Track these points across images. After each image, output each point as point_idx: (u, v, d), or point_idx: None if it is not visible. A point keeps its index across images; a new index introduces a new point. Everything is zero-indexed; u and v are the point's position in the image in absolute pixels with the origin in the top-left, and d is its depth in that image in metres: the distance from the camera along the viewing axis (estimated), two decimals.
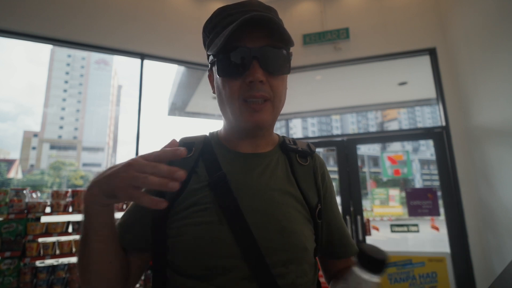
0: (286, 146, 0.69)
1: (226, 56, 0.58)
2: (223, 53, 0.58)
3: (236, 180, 0.60)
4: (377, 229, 3.49)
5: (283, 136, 0.74)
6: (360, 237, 3.08)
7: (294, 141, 0.72)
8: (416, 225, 3.09)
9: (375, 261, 0.39)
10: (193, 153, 0.64)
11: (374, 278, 0.39)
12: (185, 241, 0.55)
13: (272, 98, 0.59)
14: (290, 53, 0.62)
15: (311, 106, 5.05)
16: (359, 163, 3.40)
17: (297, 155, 0.69)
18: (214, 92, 0.67)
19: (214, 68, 0.62)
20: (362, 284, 0.39)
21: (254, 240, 0.53)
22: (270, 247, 0.54)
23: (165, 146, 0.48)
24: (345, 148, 3.38)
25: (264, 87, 0.57)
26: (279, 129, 5.30)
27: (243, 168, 0.63)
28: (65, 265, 2.46)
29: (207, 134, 0.71)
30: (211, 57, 0.63)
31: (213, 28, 0.62)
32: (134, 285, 0.63)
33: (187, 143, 0.66)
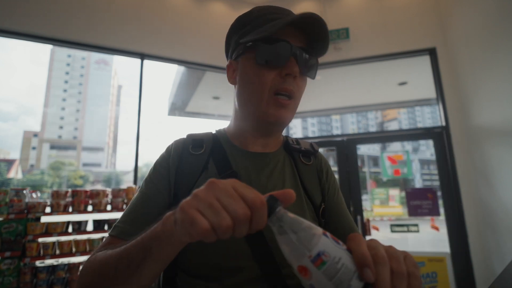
0: (290, 146, 0.69)
1: (268, 46, 0.58)
2: (265, 42, 0.58)
3: (246, 179, 0.60)
4: (377, 229, 3.49)
5: (286, 136, 0.74)
6: None
7: (297, 141, 0.73)
8: (416, 225, 3.09)
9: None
10: (204, 151, 0.64)
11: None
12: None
13: (294, 97, 0.60)
14: (318, 62, 0.65)
15: (311, 106, 5.05)
16: (359, 163, 3.40)
17: (300, 154, 0.69)
18: (231, 82, 0.66)
19: (242, 57, 0.62)
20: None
21: (265, 240, 0.53)
22: (279, 247, 0.53)
23: None
24: (345, 148, 3.38)
25: (294, 84, 0.59)
26: None
27: (253, 167, 0.63)
28: (65, 265, 2.46)
29: (214, 132, 0.71)
30: (241, 46, 0.62)
31: (252, 20, 0.62)
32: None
33: (196, 140, 0.66)
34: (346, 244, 0.33)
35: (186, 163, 0.62)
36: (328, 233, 0.32)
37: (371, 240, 0.35)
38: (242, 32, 0.62)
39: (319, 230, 0.32)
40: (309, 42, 0.61)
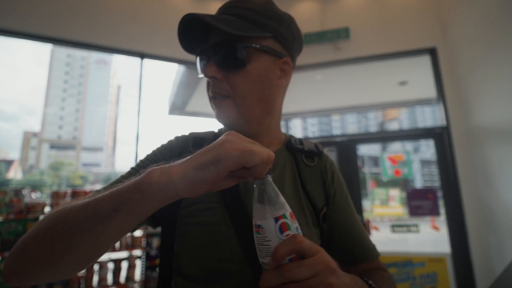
0: (292, 146, 0.66)
1: (197, 58, 0.61)
2: (196, 55, 0.61)
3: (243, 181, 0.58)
4: (377, 229, 3.49)
5: (289, 136, 0.71)
6: None
7: (301, 141, 0.69)
8: (416, 225, 3.09)
9: None
10: None
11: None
12: (188, 241, 0.54)
13: (231, 95, 0.57)
14: (250, 44, 0.55)
15: (311, 106, 5.05)
16: (359, 164, 3.39)
17: (303, 155, 0.66)
18: None
19: None
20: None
21: None
22: None
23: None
24: (345, 148, 3.38)
25: (221, 84, 0.57)
26: None
27: None
28: None
29: (216, 131, 0.70)
30: None
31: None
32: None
33: (198, 138, 0.65)
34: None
35: None
36: (282, 220, 0.38)
37: (316, 258, 0.38)
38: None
39: (277, 213, 0.38)
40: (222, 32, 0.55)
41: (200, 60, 0.60)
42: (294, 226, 0.39)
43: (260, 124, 0.61)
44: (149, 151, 0.64)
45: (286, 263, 0.37)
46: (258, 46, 0.56)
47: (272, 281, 0.36)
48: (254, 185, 0.40)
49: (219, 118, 0.60)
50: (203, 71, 0.57)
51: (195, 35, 0.58)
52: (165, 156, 0.62)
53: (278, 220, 0.38)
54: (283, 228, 0.38)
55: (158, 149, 0.64)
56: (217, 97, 0.58)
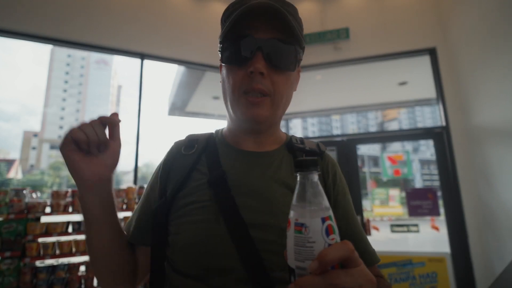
0: (293, 146, 0.66)
1: (231, 44, 0.57)
2: (229, 40, 0.58)
3: (235, 179, 0.58)
4: (377, 229, 3.49)
5: (291, 136, 0.71)
6: None
7: (302, 140, 0.69)
8: (416, 225, 3.09)
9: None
10: (195, 150, 0.64)
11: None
12: (182, 239, 0.54)
13: (271, 94, 0.56)
14: (299, 51, 0.59)
15: (311, 106, 5.05)
16: (359, 163, 3.40)
17: (304, 155, 0.66)
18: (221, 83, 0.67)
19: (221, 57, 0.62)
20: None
21: (251, 240, 0.51)
22: (268, 250, 0.51)
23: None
24: (345, 148, 3.38)
25: (264, 81, 0.55)
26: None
27: (244, 166, 0.61)
28: (65, 265, 2.46)
29: (213, 132, 0.71)
30: (219, 45, 0.62)
31: (228, 16, 0.61)
32: (141, 280, 0.65)
33: (191, 140, 0.67)
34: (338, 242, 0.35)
35: (177, 163, 0.63)
36: (328, 222, 0.34)
37: (360, 269, 0.34)
38: (222, 30, 0.63)
39: (324, 213, 0.35)
40: (283, 30, 0.56)
41: (242, 48, 0.56)
42: (337, 231, 0.36)
43: (276, 124, 0.66)
44: (152, 165, 0.68)
45: (329, 269, 0.33)
46: (302, 54, 0.61)
47: (316, 287, 0.32)
48: (298, 179, 0.37)
49: (254, 115, 0.56)
50: (251, 64, 0.54)
51: (250, 22, 0.55)
52: (155, 175, 0.66)
53: (325, 221, 0.34)
54: (329, 230, 0.34)
55: (155, 171, 0.68)
56: (252, 93, 0.55)
